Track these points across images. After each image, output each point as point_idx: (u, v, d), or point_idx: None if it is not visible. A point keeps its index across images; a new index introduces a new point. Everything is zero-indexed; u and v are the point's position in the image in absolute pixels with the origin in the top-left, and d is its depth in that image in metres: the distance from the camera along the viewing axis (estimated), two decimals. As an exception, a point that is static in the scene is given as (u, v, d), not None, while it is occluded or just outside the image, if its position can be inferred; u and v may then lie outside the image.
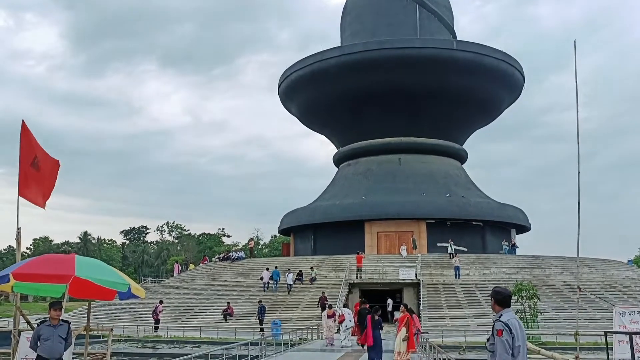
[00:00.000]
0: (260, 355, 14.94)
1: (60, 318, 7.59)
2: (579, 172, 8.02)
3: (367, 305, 16.76)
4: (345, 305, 27.57)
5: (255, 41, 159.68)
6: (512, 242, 43.57)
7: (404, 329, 13.70)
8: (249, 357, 13.93)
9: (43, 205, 8.96)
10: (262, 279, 33.63)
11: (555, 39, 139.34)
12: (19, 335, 8.21)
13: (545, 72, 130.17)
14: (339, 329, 20.09)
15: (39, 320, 7.75)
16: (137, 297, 8.37)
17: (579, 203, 7.80)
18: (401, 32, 48.14)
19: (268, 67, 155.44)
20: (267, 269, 33.81)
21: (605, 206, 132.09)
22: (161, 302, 29.07)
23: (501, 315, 4.84)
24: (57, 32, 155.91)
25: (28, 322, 8.55)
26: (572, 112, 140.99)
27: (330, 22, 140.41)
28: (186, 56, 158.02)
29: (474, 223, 44.00)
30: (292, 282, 32.37)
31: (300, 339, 20.12)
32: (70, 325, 7.92)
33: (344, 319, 19.15)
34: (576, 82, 7.80)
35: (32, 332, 7.57)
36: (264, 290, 32.88)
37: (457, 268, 32.08)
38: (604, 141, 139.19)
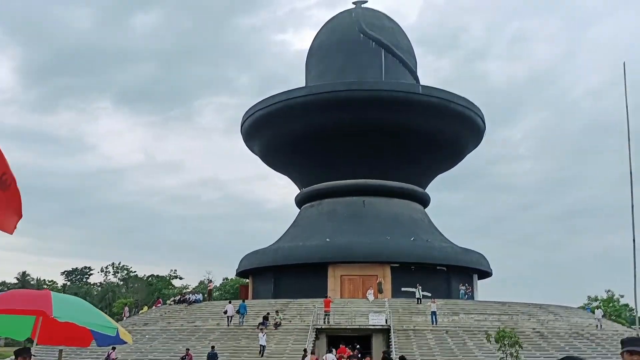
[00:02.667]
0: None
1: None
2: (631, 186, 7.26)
3: (357, 353, 15.43)
4: (313, 352, 26.22)
5: (214, 83, 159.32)
6: (467, 287, 42.67)
7: None
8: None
9: (11, 231, 7.53)
10: (225, 312, 32.23)
11: (502, 95, 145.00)
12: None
13: (493, 125, 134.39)
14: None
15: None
16: (124, 342, 6.96)
17: (633, 223, 7.00)
18: (368, 73, 48.36)
19: (226, 110, 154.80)
20: (230, 302, 32.77)
21: (549, 254, 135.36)
22: (114, 348, 26.67)
23: None
24: (10, 67, 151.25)
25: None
26: (518, 164, 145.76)
27: (290, 67, 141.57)
28: (143, 95, 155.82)
29: (438, 268, 43.45)
30: (264, 344, 27.95)
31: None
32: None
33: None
34: (626, 98, 7.14)
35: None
36: (228, 325, 31.55)
37: (433, 314, 31.12)
38: (548, 193, 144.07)
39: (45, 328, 6.49)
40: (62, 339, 7.11)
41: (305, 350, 25.22)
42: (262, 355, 27.11)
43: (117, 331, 6.48)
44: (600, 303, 67.42)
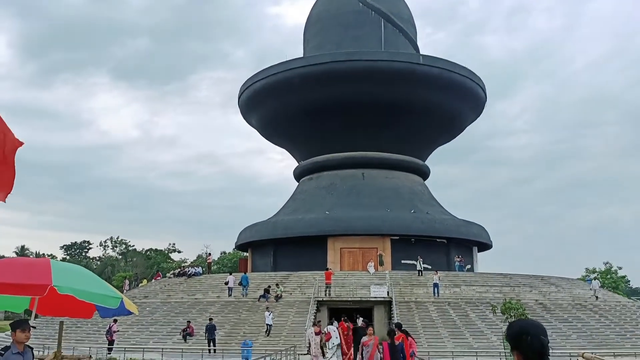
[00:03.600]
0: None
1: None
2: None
3: (364, 325, 15.14)
4: (314, 324, 26.03)
5: (210, 58, 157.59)
6: (460, 258, 42.08)
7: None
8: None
9: (4, 199, 7.07)
10: (227, 283, 32.18)
11: (501, 68, 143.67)
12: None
13: (491, 98, 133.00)
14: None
15: (1, 348, 5.82)
16: (130, 313, 6.55)
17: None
18: (367, 45, 47.44)
19: (222, 84, 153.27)
20: (231, 273, 32.51)
21: (546, 228, 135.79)
22: (115, 320, 26.46)
23: None
24: (5, 41, 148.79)
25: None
26: (513, 138, 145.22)
27: (286, 41, 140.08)
28: (139, 70, 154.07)
29: (438, 240, 43.26)
30: (271, 323, 26.81)
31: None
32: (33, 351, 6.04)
33: (330, 337, 17.64)
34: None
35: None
36: (229, 296, 31.56)
37: (435, 285, 30.92)
38: (545, 166, 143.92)
39: (44, 298, 6.07)
40: (63, 310, 6.70)
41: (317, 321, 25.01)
42: (268, 335, 26.35)
43: (122, 301, 6.08)
44: (598, 275, 67.64)
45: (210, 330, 25.13)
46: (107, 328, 25.52)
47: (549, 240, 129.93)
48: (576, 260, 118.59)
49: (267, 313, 27.04)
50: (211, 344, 24.85)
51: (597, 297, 34.16)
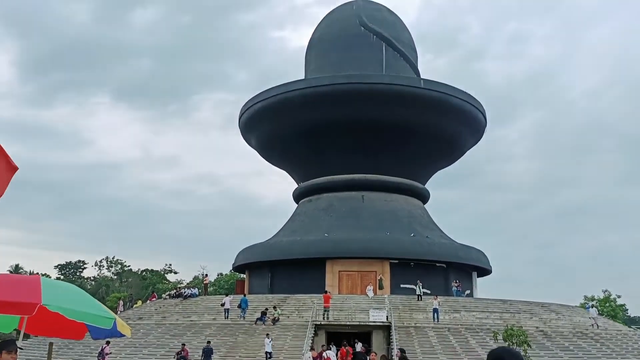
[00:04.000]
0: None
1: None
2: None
3: (364, 350, 14.75)
4: (312, 348, 25.49)
5: (212, 79, 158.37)
6: (457, 283, 41.58)
7: None
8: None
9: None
10: (223, 304, 31.89)
11: (499, 94, 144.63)
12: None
13: (490, 123, 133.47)
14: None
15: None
16: (122, 335, 6.22)
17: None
18: (367, 68, 47.57)
19: (224, 106, 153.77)
20: (228, 295, 32.52)
21: (545, 254, 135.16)
22: (108, 342, 25.88)
23: None
24: (7, 60, 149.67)
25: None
26: (512, 163, 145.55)
27: (289, 63, 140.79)
28: (140, 91, 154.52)
29: (437, 265, 42.81)
30: (270, 350, 25.76)
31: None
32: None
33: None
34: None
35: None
36: (225, 318, 31.24)
37: (435, 311, 30.43)
38: (543, 192, 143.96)
39: (34, 317, 5.75)
40: (53, 330, 6.39)
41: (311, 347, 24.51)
42: None
43: (115, 322, 5.76)
44: (596, 303, 66.96)
45: (207, 353, 24.61)
46: (100, 350, 24.94)
47: (548, 267, 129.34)
48: (575, 287, 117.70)
49: (267, 340, 25.89)
50: None
51: (597, 326, 33.61)
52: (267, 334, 26.85)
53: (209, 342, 25.82)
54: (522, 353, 20.64)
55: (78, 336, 6.64)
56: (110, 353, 25.28)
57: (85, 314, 5.44)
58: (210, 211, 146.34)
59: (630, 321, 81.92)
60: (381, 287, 37.82)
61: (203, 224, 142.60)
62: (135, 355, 28.00)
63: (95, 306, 5.79)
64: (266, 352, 25.40)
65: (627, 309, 78.64)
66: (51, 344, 6.44)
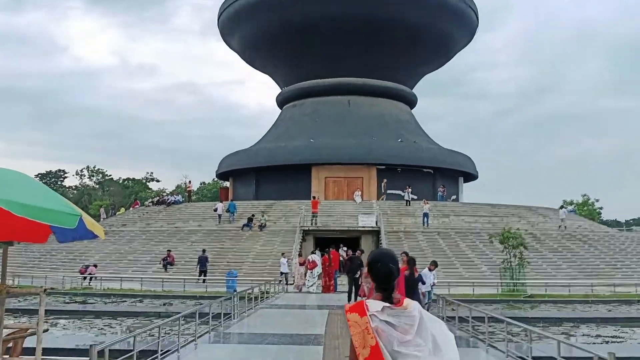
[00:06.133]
0: (233, 315, 11.98)
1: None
2: None
3: (360, 254, 14.05)
4: (300, 254, 25.05)
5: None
6: (443, 189, 41.11)
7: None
8: (222, 315, 10.92)
9: None
10: (216, 210, 32.41)
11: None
12: None
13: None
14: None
15: None
16: (94, 236, 5.06)
17: None
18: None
19: (202, 11, 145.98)
20: (221, 201, 33.04)
21: (525, 160, 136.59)
22: (95, 265, 25.06)
23: None
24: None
25: None
26: (497, 71, 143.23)
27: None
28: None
29: (424, 170, 42.26)
30: (286, 271, 22.75)
31: (263, 292, 17.16)
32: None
33: (316, 265, 16.70)
34: None
35: None
36: (218, 223, 31.66)
37: (425, 215, 30.06)
38: (525, 99, 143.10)
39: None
40: (9, 232, 5.20)
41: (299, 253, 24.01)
42: (287, 284, 22.02)
43: (81, 220, 4.56)
44: (575, 206, 68.14)
45: (203, 262, 24.04)
46: (85, 267, 24.18)
47: (528, 173, 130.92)
48: (554, 193, 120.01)
49: (282, 259, 22.88)
50: (202, 275, 23.75)
51: (565, 227, 32.73)
52: (283, 253, 23.95)
53: (204, 250, 25.13)
54: (518, 255, 20.33)
55: (40, 239, 5.50)
56: (95, 274, 23.92)
57: (41, 209, 4.22)
58: (190, 120, 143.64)
59: (604, 224, 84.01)
60: (384, 191, 37.70)
61: (184, 133, 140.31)
62: (120, 261, 27.43)
63: (56, 201, 4.58)
64: (281, 273, 22.40)
65: (600, 213, 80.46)
66: (6, 247, 5.28)
